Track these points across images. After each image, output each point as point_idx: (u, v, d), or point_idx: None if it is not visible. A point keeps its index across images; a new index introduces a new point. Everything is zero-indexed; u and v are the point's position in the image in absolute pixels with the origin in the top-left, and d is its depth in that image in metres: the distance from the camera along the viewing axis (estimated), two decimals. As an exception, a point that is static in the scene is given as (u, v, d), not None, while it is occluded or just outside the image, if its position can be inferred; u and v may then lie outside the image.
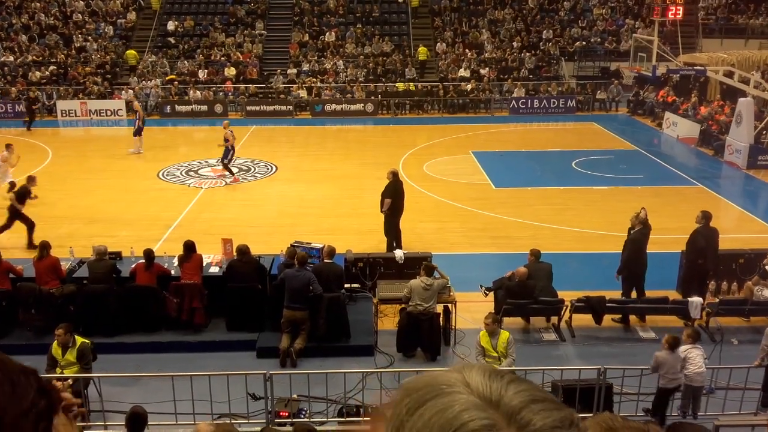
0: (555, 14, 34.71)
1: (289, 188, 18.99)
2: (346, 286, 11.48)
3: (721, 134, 22.43)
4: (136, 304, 10.79)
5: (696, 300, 11.10)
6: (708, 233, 11.78)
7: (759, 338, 10.31)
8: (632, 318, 11.57)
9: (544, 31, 33.57)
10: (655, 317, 11.42)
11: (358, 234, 14.82)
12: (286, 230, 14.56)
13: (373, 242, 14.02)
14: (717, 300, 11.58)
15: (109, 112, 28.93)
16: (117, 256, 11.70)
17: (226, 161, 19.57)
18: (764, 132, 21.29)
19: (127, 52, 32.29)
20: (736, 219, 16.52)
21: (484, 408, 0.86)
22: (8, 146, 17.69)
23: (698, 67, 24.83)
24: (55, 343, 8.86)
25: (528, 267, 11.34)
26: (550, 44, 32.84)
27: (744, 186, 19.76)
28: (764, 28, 33.63)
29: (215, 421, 7.82)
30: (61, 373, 8.75)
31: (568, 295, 11.29)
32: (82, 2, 34.55)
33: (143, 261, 10.88)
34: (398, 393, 0.92)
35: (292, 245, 11.39)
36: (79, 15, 34.09)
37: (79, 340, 8.93)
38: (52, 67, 31.15)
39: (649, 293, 11.66)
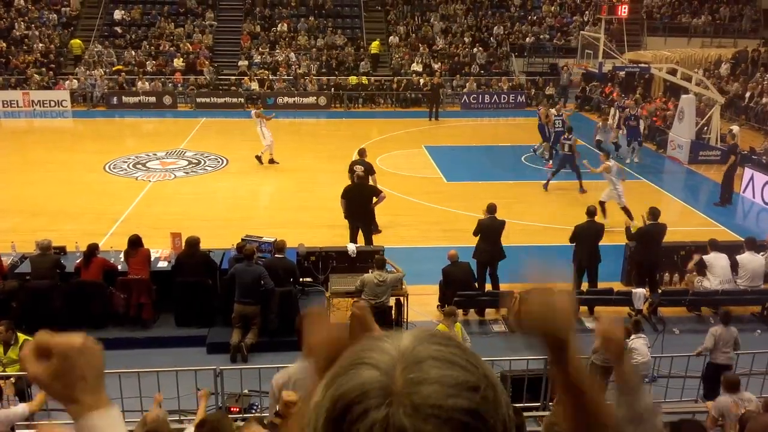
0: (506, 10, 35.11)
1: (240, 181, 18.76)
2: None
3: (665, 129, 23.07)
4: (81, 300, 10.54)
5: (639, 291, 11.45)
6: (649, 231, 12.05)
7: (699, 328, 10.74)
8: (582, 308, 11.85)
9: (495, 27, 33.93)
10: (601, 308, 11.71)
11: (311, 228, 14.75)
12: (237, 224, 14.38)
13: (326, 236, 13.99)
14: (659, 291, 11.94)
15: (52, 103, 28.03)
16: (61, 250, 11.40)
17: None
18: (705, 128, 21.99)
19: (72, 41, 31.31)
20: (678, 212, 17.03)
21: (390, 355, 0.96)
22: None
23: (643, 65, 25.46)
24: (-4, 341, 8.61)
25: (482, 222, 11.90)
26: (501, 39, 33.22)
27: (685, 180, 20.37)
28: (706, 27, 34.70)
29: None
30: (3, 371, 8.51)
31: (516, 288, 11.46)
32: (23, -11, 33.39)
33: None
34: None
35: (243, 239, 11.29)
36: (21, 2, 32.87)
37: (22, 337, 8.71)
38: (-9, 56, 30.08)
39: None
